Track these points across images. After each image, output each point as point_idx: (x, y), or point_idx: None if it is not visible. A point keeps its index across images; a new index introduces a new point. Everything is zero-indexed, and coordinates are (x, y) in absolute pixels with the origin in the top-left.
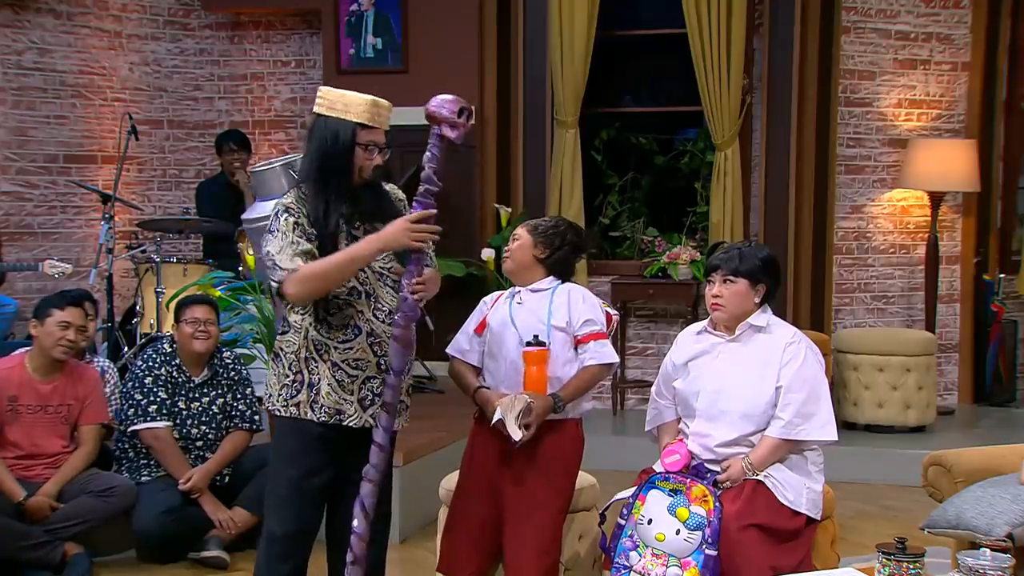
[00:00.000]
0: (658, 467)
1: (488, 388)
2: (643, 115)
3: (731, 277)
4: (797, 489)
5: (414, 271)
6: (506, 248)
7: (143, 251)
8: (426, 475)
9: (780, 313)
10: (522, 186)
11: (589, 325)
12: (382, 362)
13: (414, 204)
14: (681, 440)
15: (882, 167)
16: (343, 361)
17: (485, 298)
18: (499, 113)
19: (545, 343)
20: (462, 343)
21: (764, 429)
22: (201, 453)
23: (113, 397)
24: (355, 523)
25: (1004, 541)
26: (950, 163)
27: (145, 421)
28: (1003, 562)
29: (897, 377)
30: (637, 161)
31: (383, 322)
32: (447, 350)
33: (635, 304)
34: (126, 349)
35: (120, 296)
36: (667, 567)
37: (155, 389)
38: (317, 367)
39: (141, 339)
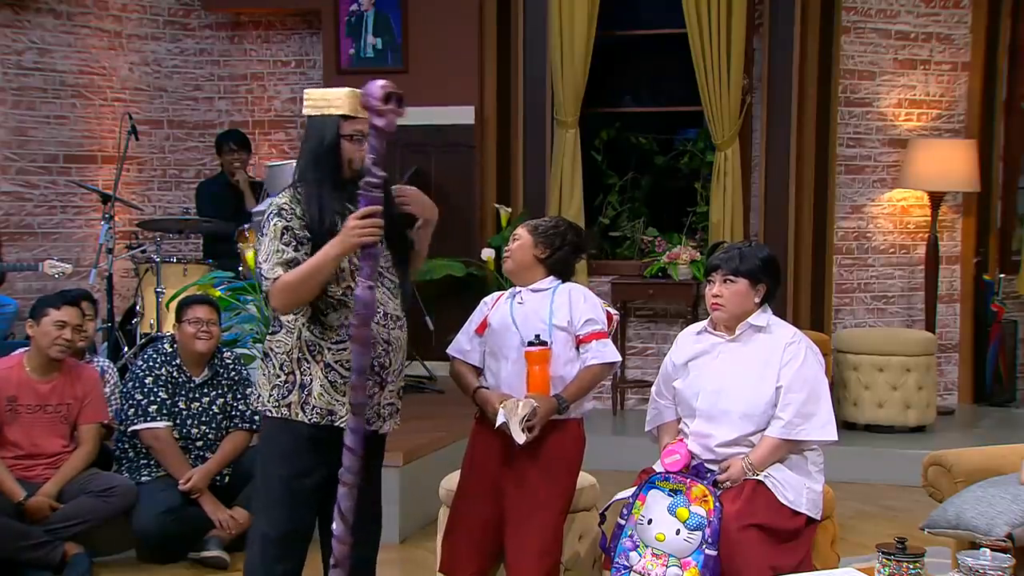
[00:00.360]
0: (658, 467)
1: (488, 388)
2: (643, 115)
3: (731, 277)
4: (797, 489)
5: (367, 268)
6: (506, 248)
7: (143, 251)
8: (426, 475)
9: (780, 313)
10: (522, 186)
11: (590, 325)
12: (376, 364)
13: (359, 200)
14: (681, 440)
15: (882, 167)
16: (336, 362)
17: (486, 298)
18: (499, 113)
19: (547, 342)
20: (463, 343)
21: (764, 429)
22: (201, 453)
23: (113, 397)
24: (333, 526)
25: (1004, 541)
26: (950, 163)
27: (145, 421)
28: (1003, 562)
29: (897, 377)
30: (637, 161)
31: (378, 324)
32: (448, 351)
33: (635, 304)
34: (126, 349)
35: (120, 296)
36: (667, 567)
37: (155, 389)
38: (309, 368)
39: (141, 339)
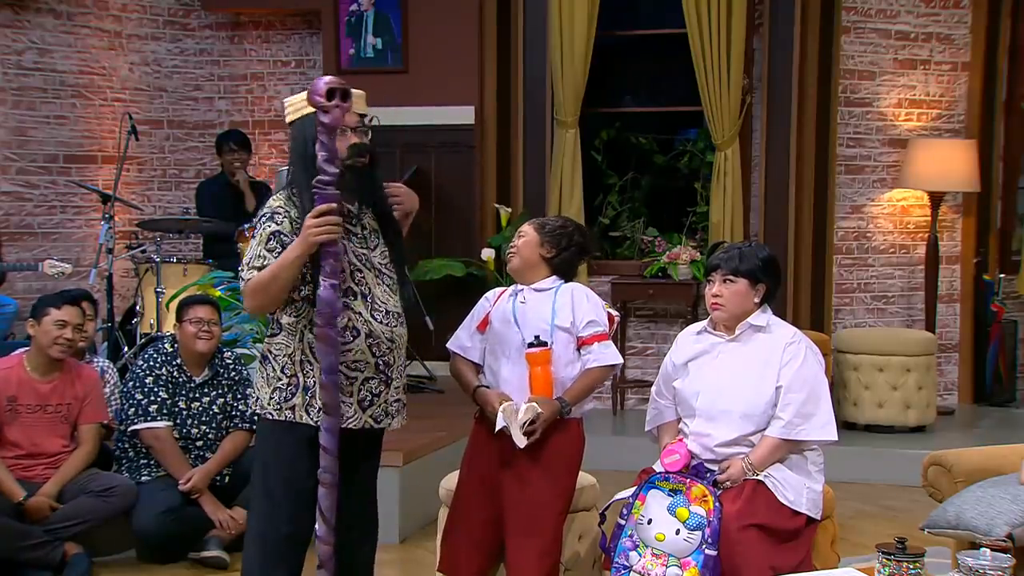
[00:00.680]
0: (658, 467)
1: (487, 387)
2: (643, 115)
3: (731, 277)
4: (797, 489)
5: (327, 266)
6: (511, 244)
7: (143, 251)
8: (426, 475)
9: (780, 313)
10: (522, 186)
11: (592, 327)
12: (381, 363)
13: (315, 198)
14: (681, 440)
15: (882, 167)
16: (342, 363)
17: (487, 294)
18: (499, 113)
19: (547, 343)
20: (463, 340)
21: (764, 429)
22: (201, 453)
23: (113, 397)
24: (316, 527)
25: (1004, 541)
26: (950, 163)
27: (145, 421)
28: (1003, 562)
29: (897, 377)
30: (637, 161)
31: (381, 323)
32: (448, 345)
33: (635, 304)
34: (126, 349)
35: (120, 296)
36: (667, 567)
37: (156, 389)
38: (312, 369)
39: (141, 339)
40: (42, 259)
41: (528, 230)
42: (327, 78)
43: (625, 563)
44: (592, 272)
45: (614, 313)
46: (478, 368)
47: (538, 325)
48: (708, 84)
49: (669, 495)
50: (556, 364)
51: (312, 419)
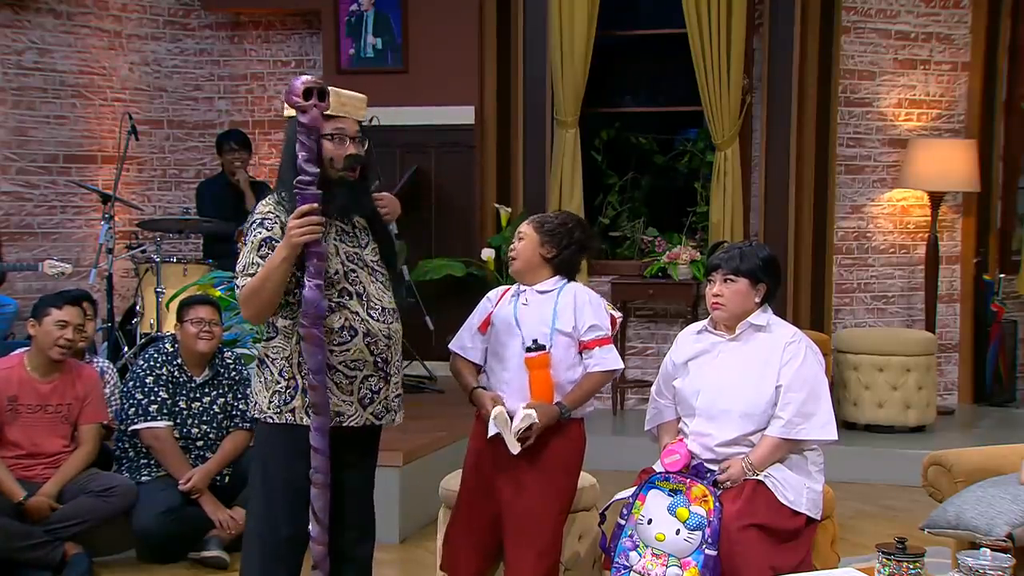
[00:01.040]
0: (658, 467)
1: (485, 388)
2: (643, 115)
3: (732, 276)
4: (797, 489)
5: (311, 267)
6: (512, 246)
7: (143, 251)
8: (426, 475)
9: (780, 313)
10: (522, 186)
11: (594, 331)
12: (379, 360)
13: (297, 199)
14: (681, 440)
15: (882, 167)
16: (340, 363)
17: (489, 294)
18: (499, 113)
19: (545, 346)
20: (464, 340)
21: (764, 428)
22: (201, 453)
23: (113, 397)
24: (310, 527)
25: (1004, 541)
26: (950, 163)
27: (146, 420)
28: (1003, 562)
29: (897, 377)
30: (637, 161)
31: (378, 320)
32: (449, 346)
33: (635, 304)
34: (126, 349)
35: (120, 296)
36: (667, 567)
37: (156, 389)
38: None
39: (141, 339)
40: (42, 259)
41: (527, 230)
42: (304, 77)
43: (625, 563)
44: (592, 272)
45: (616, 315)
46: (478, 368)
47: (538, 329)
48: (708, 84)
49: (669, 495)
50: (558, 368)
51: (311, 421)
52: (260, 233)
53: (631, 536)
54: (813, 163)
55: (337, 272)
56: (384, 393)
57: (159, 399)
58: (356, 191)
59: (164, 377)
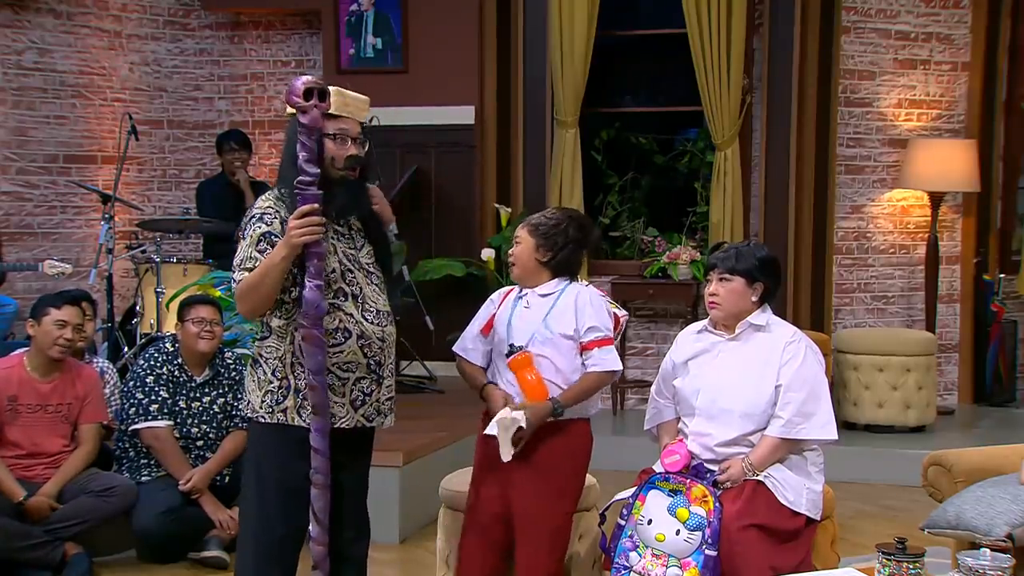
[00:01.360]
0: (658, 467)
1: (495, 384)
2: (643, 115)
3: (727, 275)
4: (797, 489)
5: (312, 267)
6: (510, 252)
7: (143, 251)
8: (426, 475)
9: (780, 313)
10: (522, 186)
11: (594, 332)
12: (372, 363)
13: (297, 199)
14: (681, 440)
15: (882, 167)
16: (333, 365)
17: (493, 295)
18: (499, 113)
19: (523, 347)
20: (466, 342)
21: (764, 428)
22: (201, 453)
23: (113, 398)
24: (310, 527)
25: (1004, 541)
26: (950, 163)
27: (146, 420)
28: (1003, 562)
29: (897, 377)
30: (637, 161)
31: (372, 323)
32: (453, 348)
33: (635, 304)
34: (126, 349)
35: (120, 296)
36: (667, 567)
37: (156, 388)
38: (303, 371)
39: (141, 339)
40: (42, 259)
41: (523, 234)
42: (304, 78)
43: (625, 563)
44: (592, 272)
45: (620, 314)
46: (484, 368)
47: (534, 330)
48: (708, 84)
49: (669, 495)
50: (562, 372)
51: (304, 421)
52: (259, 228)
53: (631, 536)
54: (813, 163)
55: (334, 271)
56: (376, 395)
57: (159, 399)
58: (356, 191)
59: (164, 377)
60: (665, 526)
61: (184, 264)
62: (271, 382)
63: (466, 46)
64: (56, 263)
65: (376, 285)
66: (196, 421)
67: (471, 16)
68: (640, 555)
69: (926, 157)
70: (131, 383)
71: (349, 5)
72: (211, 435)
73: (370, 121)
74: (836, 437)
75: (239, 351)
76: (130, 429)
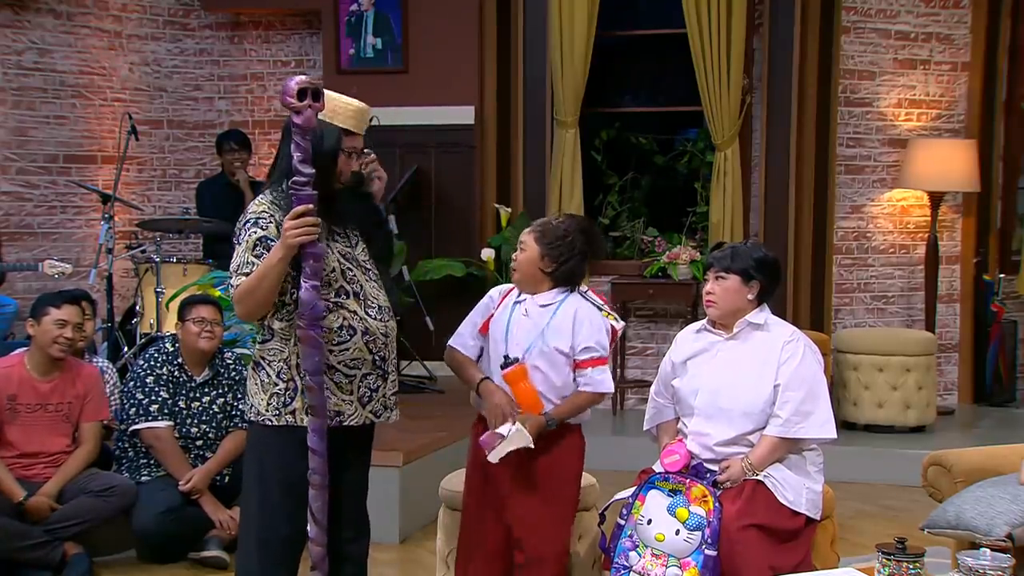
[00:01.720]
0: (658, 467)
1: (491, 380)
2: (643, 115)
3: (723, 274)
4: (797, 489)
5: (308, 268)
6: (513, 257)
7: (143, 251)
8: (426, 475)
9: (780, 313)
10: (522, 186)
11: (589, 352)
12: (377, 358)
13: (292, 200)
14: (680, 440)
15: (882, 167)
16: (340, 363)
17: (493, 292)
18: (499, 113)
19: (518, 359)
20: (466, 338)
21: (763, 428)
22: (201, 452)
23: (112, 397)
24: (308, 528)
25: (1004, 541)
26: (950, 163)
27: (146, 420)
28: (1003, 562)
29: (897, 377)
30: (637, 161)
31: (375, 319)
32: (450, 343)
33: (635, 304)
34: (126, 349)
35: (120, 296)
36: (667, 567)
37: (156, 388)
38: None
39: (141, 339)
40: (42, 259)
41: (528, 241)
42: (298, 78)
43: (625, 563)
44: (592, 272)
45: (618, 326)
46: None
47: (529, 342)
48: (708, 84)
49: (669, 495)
50: (552, 385)
51: (309, 422)
52: (255, 233)
53: (631, 536)
54: (813, 163)
55: (334, 271)
56: (382, 391)
57: (160, 399)
58: (356, 199)
59: (164, 377)
60: (665, 526)
61: (184, 264)
62: (276, 384)
63: (466, 46)
64: (56, 263)
65: (374, 281)
66: (196, 421)
67: (471, 16)
68: (640, 555)
69: (926, 157)
70: (131, 383)
71: (349, 5)
72: (211, 435)
73: (370, 122)
74: (835, 436)
75: (239, 351)
76: (130, 430)
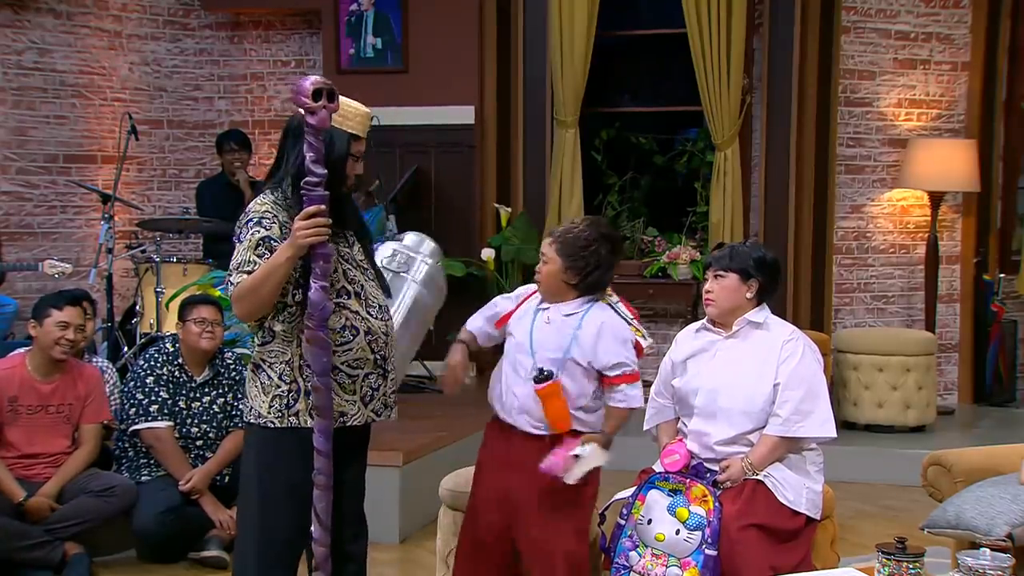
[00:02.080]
0: (658, 467)
1: (465, 343)
2: (643, 115)
3: (722, 272)
4: (797, 489)
5: (318, 269)
6: (537, 269)
7: (143, 251)
8: (426, 475)
9: (780, 313)
10: (522, 186)
11: (621, 368)
12: (379, 357)
13: (303, 201)
14: (680, 440)
15: (882, 167)
16: (343, 363)
17: (515, 291)
18: (499, 113)
19: (552, 373)
20: (480, 324)
21: (763, 427)
22: (201, 452)
23: (112, 397)
24: (312, 528)
25: (1004, 541)
26: (950, 163)
27: (147, 420)
28: (1003, 562)
29: (897, 377)
30: (637, 161)
31: (376, 318)
32: (466, 325)
33: (635, 304)
34: (126, 349)
35: (120, 296)
36: (667, 567)
37: (157, 388)
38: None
39: (141, 339)
40: (42, 259)
41: (551, 254)
42: (312, 78)
43: (625, 563)
44: None
45: (644, 344)
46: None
47: (553, 354)
48: (708, 84)
49: (669, 495)
50: (573, 396)
51: (315, 423)
52: (258, 232)
53: (631, 536)
54: (813, 163)
55: (336, 271)
56: (383, 390)
57: (160, 399)
58: (354, 204)
59: (164, 377)
60: (665, 526)
61: (184, 264)
62: (279, 387)
63: (466, 46)
64: (56, 263)
65: (372, 281)
66: (196, 421)
67: (471, 16)
68: (640, 555)
69: (926, 157)
70: (131, 383)
71: (349, 5)
72: (211, 435)
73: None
74: (835, 435)
75: (239, 351)
76: (130, 430)
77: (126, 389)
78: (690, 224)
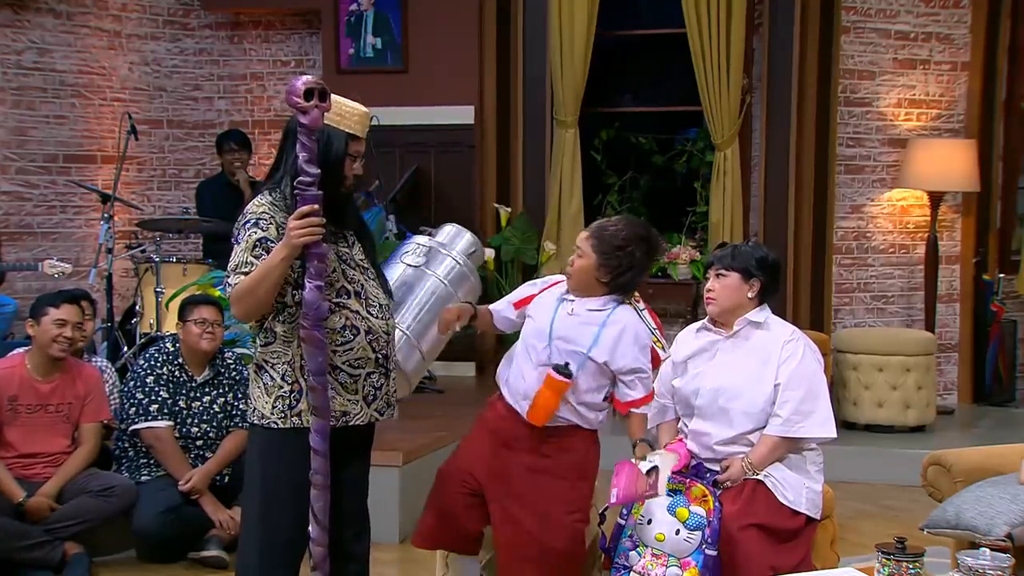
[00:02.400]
0: None
1: (473, 307)
2: (643, 115)
3: (723, 271)
4: (797, 489)
5: (312, 268)
6: (570, 260)
7: (143, 251)
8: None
9: (780, 313)
10: (522, 186)
11: (635, 373)
12: (380, 356)
13: (297, 200)
14: (681, 440)
15: (882, 167)
16: (344, 363)
17: (538, 280)
18: (499, 113)
19: (572, 374)
20: (502, 307)
21: (763, 427)
22: (201, 452)
23: (112, 397)
24: (310, 528)
25: (1004, 541)
26: (950, 163)
27: (147, 420)
28: (1003, 562)
29: (897, 377)
30: (637, 161)
31: (377, 317)
32: (490, 306)
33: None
34: (126, 349)
35: (120, 296)
36: (667, 567)
37: (157, 388)
38: None
39: (141, 339)
40: (42, 259)
41: (586, 248)
42: (304, 78)
43: (625, 563)
44: None
45: (662, 355)
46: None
47: (573, 349)
48: (708, 84)
49: (669, 495)
50: (580, 391)
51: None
52: (255, 233)
53: (631, 536)
54: (813, 163)
55: (335, 271)
56: (385, 389)
57: (160, 399)
58: (354, 204)
59: (165, 377)
60: (665, 526)
61: (184, 264)
62: (281, 387)
63: (466, 46)
64: (56, 263)
65: (372, 281)
66: (196, 421)
67: (471, 16)
68: (640, 555)
69: (926, 157)
70: (131, 383)
71: (349, 5)
72: (211, 435)
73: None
74: (835, 435)
75: (239, 351)
76: (130, 429)
77: (126, 389)
78: (690, 224)
